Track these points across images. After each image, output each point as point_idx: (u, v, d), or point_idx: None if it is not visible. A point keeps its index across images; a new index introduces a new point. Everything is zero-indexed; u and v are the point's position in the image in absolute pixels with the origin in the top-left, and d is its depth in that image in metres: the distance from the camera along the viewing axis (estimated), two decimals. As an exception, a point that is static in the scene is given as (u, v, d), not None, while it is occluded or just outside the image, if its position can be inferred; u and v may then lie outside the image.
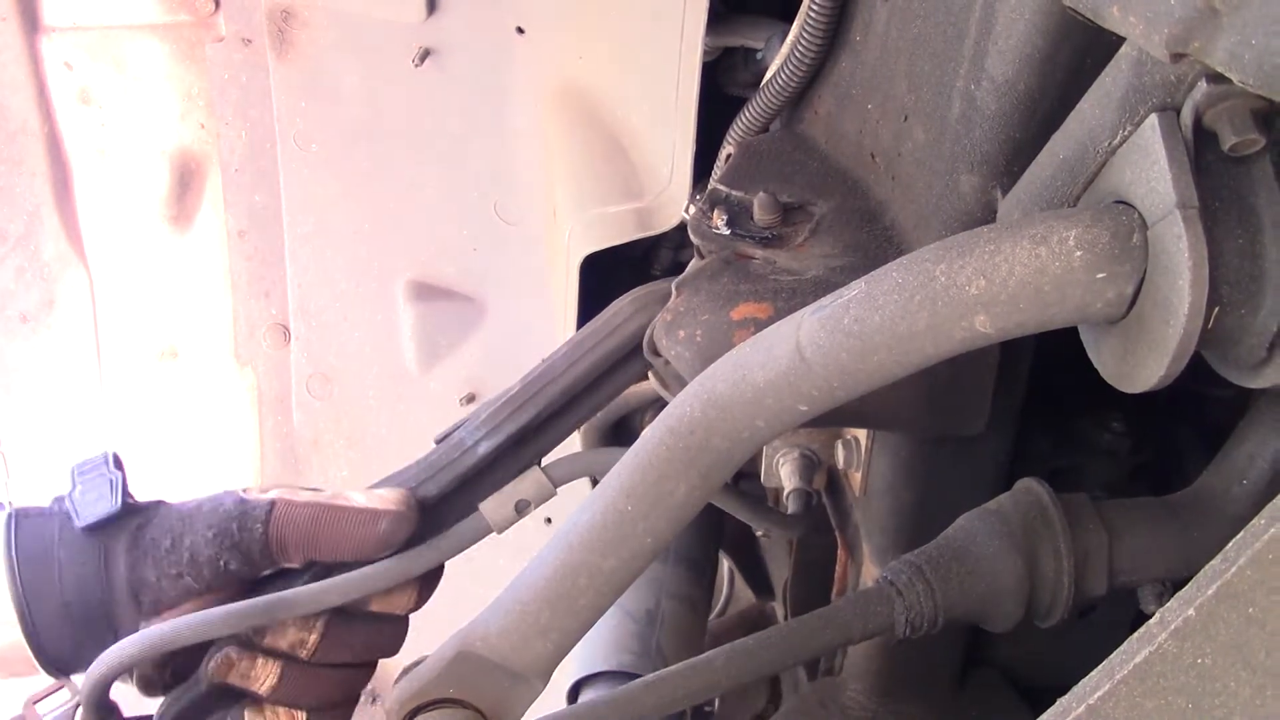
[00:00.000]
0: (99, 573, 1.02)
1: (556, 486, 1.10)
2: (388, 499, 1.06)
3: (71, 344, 2.01)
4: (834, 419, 1.01)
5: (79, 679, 1.03)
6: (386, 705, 0.97)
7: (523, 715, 0.98)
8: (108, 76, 1.83)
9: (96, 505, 1.03)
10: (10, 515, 1.03)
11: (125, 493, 1.05)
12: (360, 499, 1.05)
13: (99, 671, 1.00)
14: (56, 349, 2.01)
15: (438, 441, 1.14)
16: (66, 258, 1.95)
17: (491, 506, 1.09)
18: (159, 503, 1.08)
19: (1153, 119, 0.75)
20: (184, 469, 2.12)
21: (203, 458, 2.12)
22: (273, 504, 1.03)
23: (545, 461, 1.11)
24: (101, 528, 1.03)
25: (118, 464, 1.08)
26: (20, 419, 2.06)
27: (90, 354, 2.02)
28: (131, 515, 1.05)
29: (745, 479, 1.61)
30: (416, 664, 0.99)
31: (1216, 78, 0.71)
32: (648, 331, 1.10)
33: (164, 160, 1.89)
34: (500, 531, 1.09)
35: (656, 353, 1.09)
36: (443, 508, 1.12)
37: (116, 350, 2.03)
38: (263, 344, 2.02)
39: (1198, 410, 1.37)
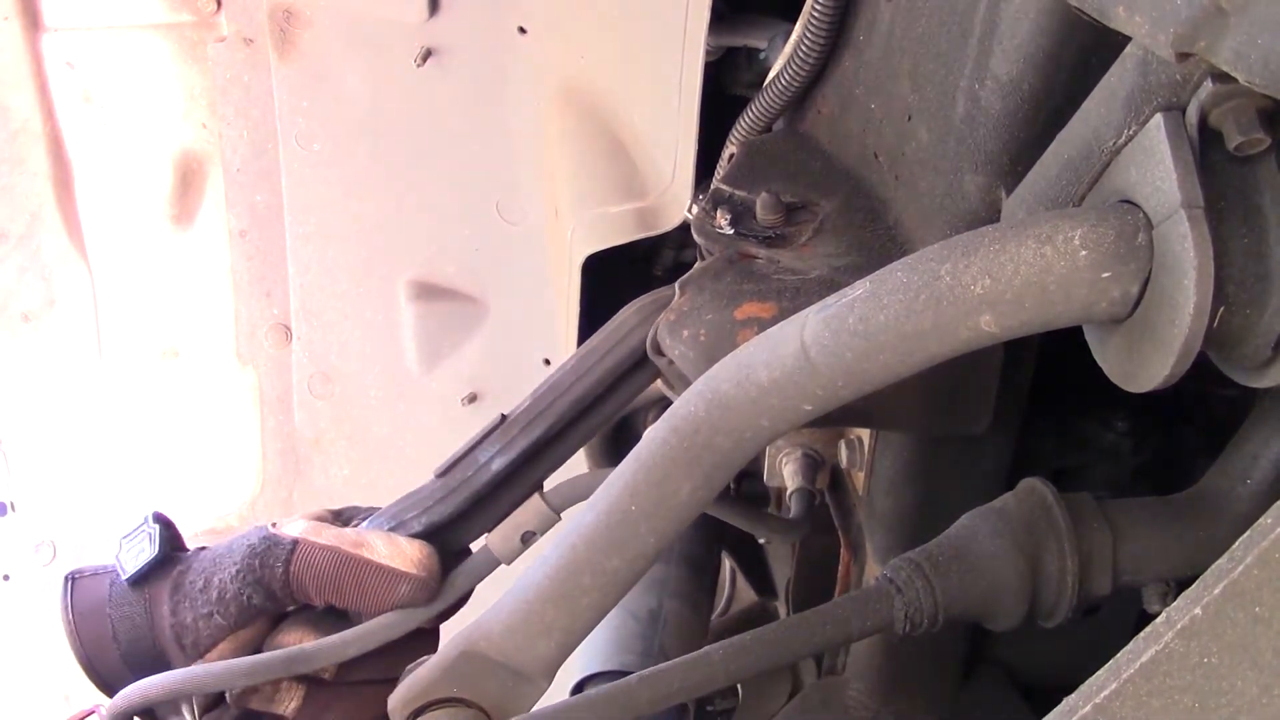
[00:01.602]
0: (146, 623, 1.06)
1: (558, 512, 1.11)
2: (411, 557, 1.07)
3: (73, 343, 2.01)
4: (838, 418, 1.00)
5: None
6: (390, 704, 0.97)
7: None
8: (110, 76, 1.83)
9: (138, 558, 1.07)
10: (66, 579, 1.08)
11: (167, 542, 1.09)
12: (383, 548, 1.07)
13: (120, 705, 1.04)
14: (58, 348, 2.01)
15: (439, 475, 1.14)
16: (68, 257, 1.95)
17: (498, 540, 1.11)
18: (202, 549, 1.11)
19: (1158, 118, 0.75)
20: (185, 468, 2.12)
21: (204, 457, 2.12)
22: (295, 544, 1.06)
23: (546, 487, 1.13)
24: (145, 578, 1.07)
25: (159, 519, 1.11)
26: (21, 418, 2.06)
27: (92, 353, 2.02)
28: (173, 563, 1.09)
29: (747, 478, 1.61)
30: (420, 663, 0.99)
31: (1222, 77, 0.71)
32: (651, 330, 1.10)
33: (166, 160, 1.89)
34: (509, 564, 1.11)
35: (660, 352, 1.09)
36: (460, 526, 1.13)
37: (118, 349, 2.03)
38: (264, 343, 2.02)
39: (1202, 410, 1.37)
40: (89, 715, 1.07)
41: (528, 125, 1.73)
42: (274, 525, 1.08)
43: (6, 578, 2.13)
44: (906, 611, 1.00)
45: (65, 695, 2.04)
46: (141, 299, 2.00)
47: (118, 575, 1.08)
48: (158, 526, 1.09)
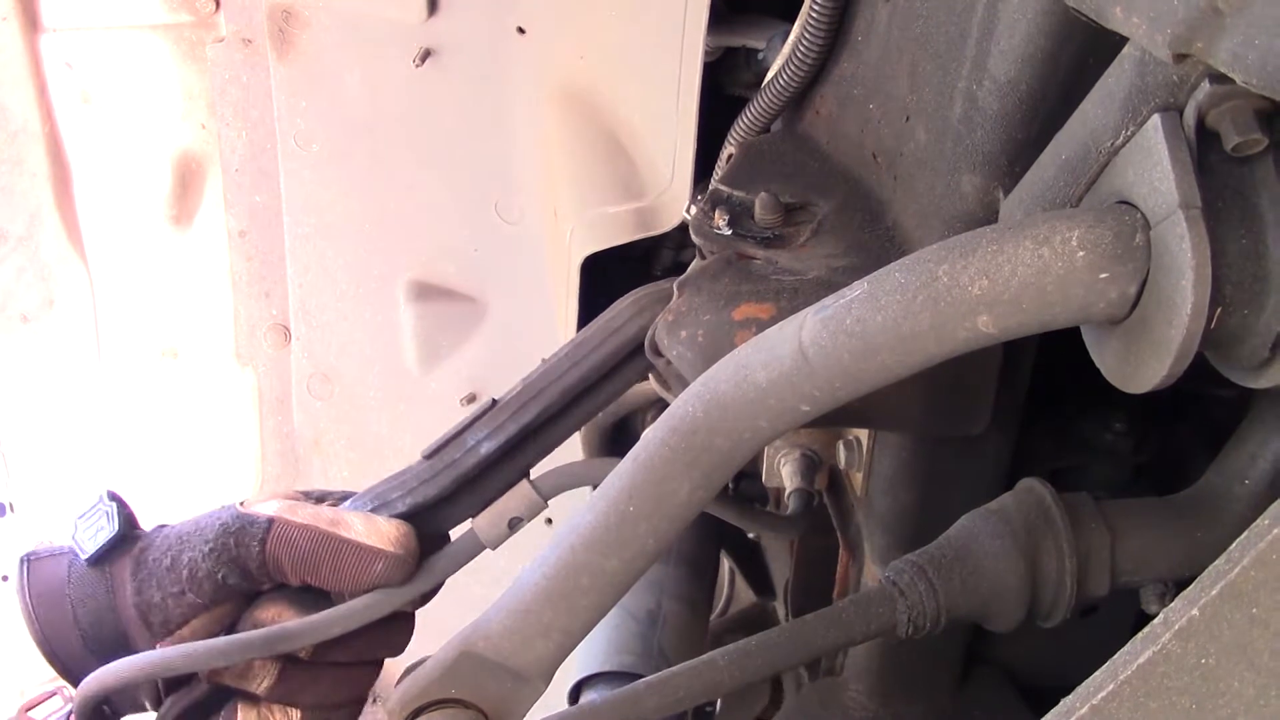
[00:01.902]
0: (109, 602, 1.04)
1: (546, 499, 1.10)
2: (387, 535, 1.05)
3: (72, 343, 2.01)
4: (836, 419, 1.00)
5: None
6: (389, 705, 0.97)
7: (525, 715, 0.98)
8: (108, 76, 1.83)
9: (97, 537, 1.05)
10: (22, 561, 1.05)
11: (124, 520, 1.06)
12: (359, 526, 1.05)
13: (91, 689, 1.01)
14: (57, 348, 2.01)
15: (426, 457, 1.13)
16: (67, 257, 1.95)
17: (484, 524, 1.10)
18: (161, 527, 1.09)
19: (1155, 119, 0.75)
20: (184, 469, 2.12)
21: (203, 458, 2.12)
22: (271, 522, 1.04)
23: (534, 474, 1.12)
24: (105, 557, 1.04)
25: (114, 498, 1.09)
26: (20, 419, 2.06)
27: (91, 353, 2.02)
28: (133, 541, 1.06)
29: (746, 479, 1.61)
30: (419, 664, 0.99)
31: (1219, 78, 0.71)
32: (649, 331, 1.09)
33: (165, 160, 1.89)
34: (494, 549, 1.10)
35: (658, 353, 1.09)
36: (444, 509, 1.12)
37: (117, 350, 2.03)
38: (263, 344, 2.02)
39: (1200, 410, 1.36)
40: (50, 698, 1.06)
41: (527, 125, 1.73)
42: (243, 504, 1.06)
43: (6, 578, 2.13)
44: (910, 614, 1.01)
45: (20, 690, 2.03)
46: (140, 299, 2.00)
47: (76, 556, 1.05)
48: (114, 504, 1.06)
